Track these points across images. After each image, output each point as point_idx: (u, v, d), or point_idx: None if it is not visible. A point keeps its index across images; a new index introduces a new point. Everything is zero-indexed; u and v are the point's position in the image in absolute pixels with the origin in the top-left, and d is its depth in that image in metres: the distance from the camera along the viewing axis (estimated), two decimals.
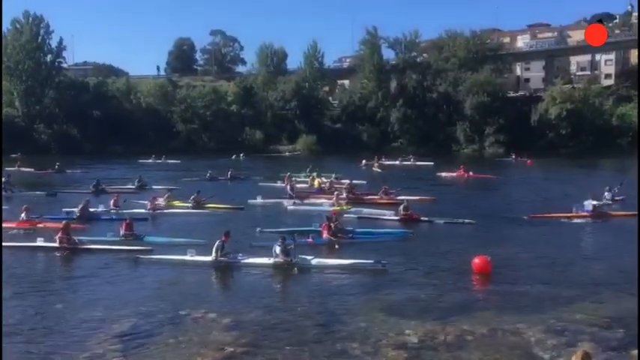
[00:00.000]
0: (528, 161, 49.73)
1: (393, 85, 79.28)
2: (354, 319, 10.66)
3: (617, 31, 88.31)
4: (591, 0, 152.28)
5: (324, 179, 31.72)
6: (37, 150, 58.66)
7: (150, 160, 51.01)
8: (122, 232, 17.51)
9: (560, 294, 12.26)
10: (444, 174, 39.03)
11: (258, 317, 10.82)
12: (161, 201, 24.31)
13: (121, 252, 15.98)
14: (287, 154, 65.48)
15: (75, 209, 21.80)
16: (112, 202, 23.36)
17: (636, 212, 20.70)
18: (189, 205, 24.01)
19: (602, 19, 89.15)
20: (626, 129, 67.84)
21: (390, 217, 21.68)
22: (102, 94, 75.68)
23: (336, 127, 77.71)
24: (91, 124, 69.60)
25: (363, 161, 47.39)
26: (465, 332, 9.91)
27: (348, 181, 29.39)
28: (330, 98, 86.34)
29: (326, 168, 38.88)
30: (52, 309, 11.51)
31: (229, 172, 36.87)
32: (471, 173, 38.38)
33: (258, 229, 18.73)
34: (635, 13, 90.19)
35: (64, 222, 17.28)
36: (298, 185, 31.68)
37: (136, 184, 31.07)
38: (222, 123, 75.36)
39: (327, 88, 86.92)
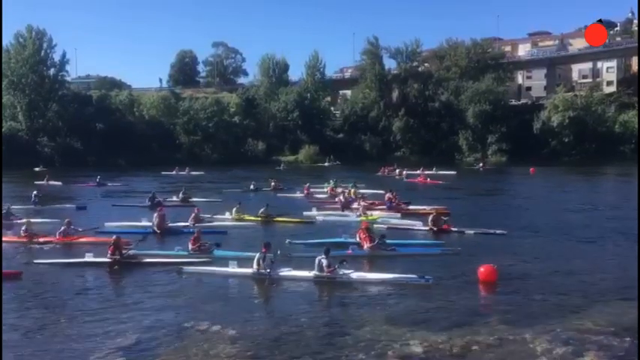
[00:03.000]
0: (531, 169, 49.65)
1: (395, 94, 79.55)
2: (360, 329, 10.59)
3: (618, 39, 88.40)
4: (592, 8, 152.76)
5: (356, 190, 31.35)
6: (41, 163, 58.63)
7: (173, 172, 51.05)
8: (191, 246, 16.93)
9: (572, 302, 12.13)
10: (407, 180, 42.73)
11: (270, 328, 10.77)
12: (227, 215, 23.55)
13: (179, 265, 15.33)
14: (327, 164, 65.68)
15: (112, 223, 21.75)
16: (155, 216, 21.83)
17: None
18: (259, 218, 23.25)
19: (601, 20, 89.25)
20: (628, 136, 67.80)
21: (420, 228, 21.21)
22: (105, 107, 76.21)
23: (339, 137, 77.96)
24: (94, 137, 70.08)
25: (397, 170, 48.75)
26: (471, 342, 9.82)
27: (389, 193, 27.60)
28: (332, 108, 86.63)
29: (350, 178, 38.99)
30: (62, 323, 11.38)
31: (272, 184, 36.96)
32: (428, 180, 41.22)
33: (287, 240, 18.17)
34: (636, 21, 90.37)
35: (114, 237, 16.52)
36: (318, 196, 31.99)
37: (180, 196, 30.24)
38: (225, 134, 75.71)
39: (328, 99, 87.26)
